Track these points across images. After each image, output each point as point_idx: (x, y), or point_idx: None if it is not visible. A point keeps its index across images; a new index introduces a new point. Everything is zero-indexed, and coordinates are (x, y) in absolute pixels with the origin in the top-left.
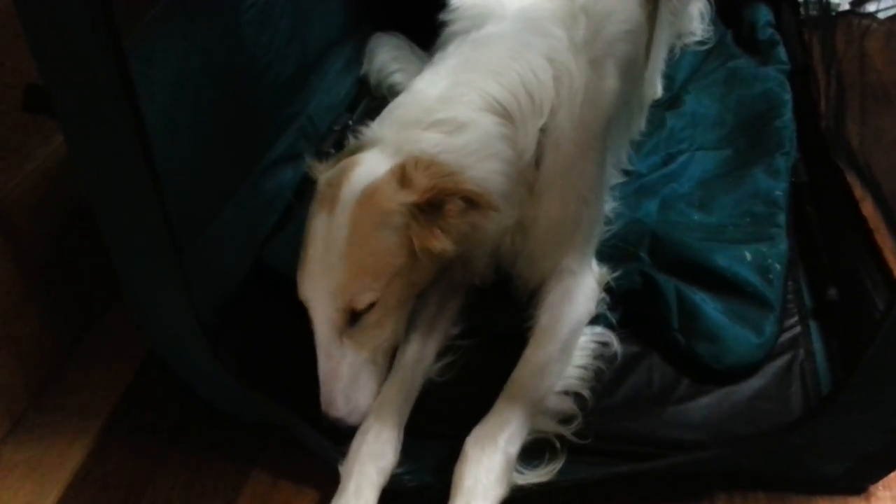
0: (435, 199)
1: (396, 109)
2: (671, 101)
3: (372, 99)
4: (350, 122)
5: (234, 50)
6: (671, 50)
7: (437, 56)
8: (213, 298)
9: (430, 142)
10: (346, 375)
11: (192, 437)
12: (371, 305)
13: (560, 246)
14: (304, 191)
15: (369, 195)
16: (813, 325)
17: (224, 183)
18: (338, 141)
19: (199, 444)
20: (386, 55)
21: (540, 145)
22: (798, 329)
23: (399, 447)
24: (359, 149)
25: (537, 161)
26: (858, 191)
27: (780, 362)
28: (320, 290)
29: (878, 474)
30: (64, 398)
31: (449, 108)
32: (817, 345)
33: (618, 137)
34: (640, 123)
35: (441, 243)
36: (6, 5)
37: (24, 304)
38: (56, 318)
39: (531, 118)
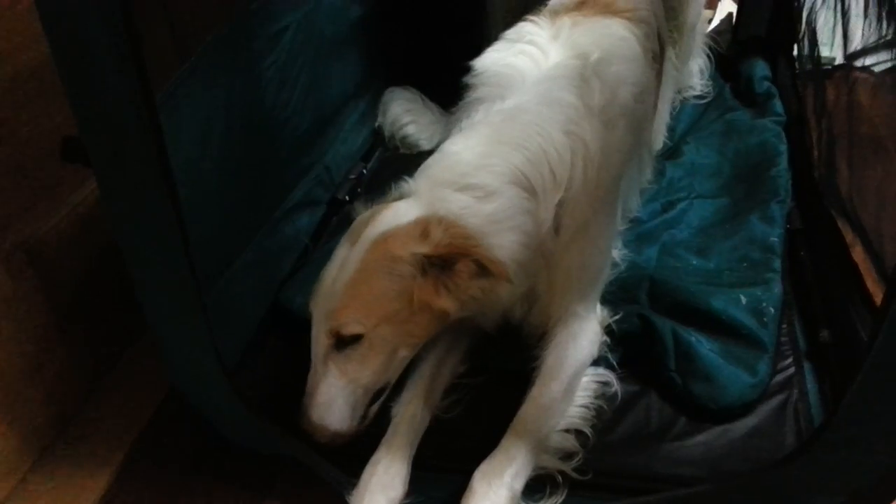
0: (447, 256)
1: (431, 167)
2: (671, 151)
3: (385, 149)
4: (364, 171)
5: (256, 105)
6: (671, 103)
7: (465, 122)
8: (233, 337)
9: (460, 203)
10: (323, 395)
11: (210, 467)
12: (357, 338)
13: (570, 294)
14: (321, 235)
15: (386, 239)
16: (807, 366)
17: (244, 228)
18: (352, 189)
19: (217, 475)
20: (399, 108)
21: (557, 216)
22: (792, 370)
23: (407, 479)
24: (397, 199)
25: (556, 229)
26: (849, 237)
27: (774, 402)
28: (319, 309)
29: None
30: (89, 429)
31: (481, 174)
32: (811, 385)
33: (628, 187)
34: (648, 173)
35: (443, 302)
36: (50, 64)
37: (55, 340)
38: (84, 353)
39: (551, 193)
